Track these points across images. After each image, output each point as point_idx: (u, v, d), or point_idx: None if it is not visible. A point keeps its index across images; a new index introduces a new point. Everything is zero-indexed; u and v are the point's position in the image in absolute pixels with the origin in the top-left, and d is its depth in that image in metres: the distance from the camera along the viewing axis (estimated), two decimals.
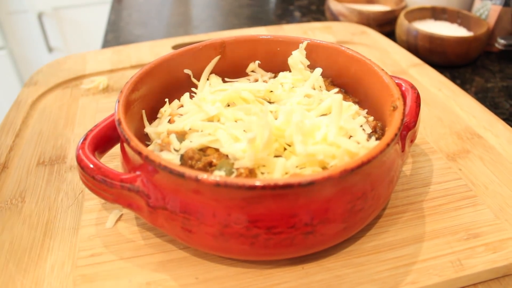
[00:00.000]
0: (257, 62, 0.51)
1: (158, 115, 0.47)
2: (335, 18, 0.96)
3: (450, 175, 0.49)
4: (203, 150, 0.40)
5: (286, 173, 0.36)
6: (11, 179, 0.49)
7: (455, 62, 0.80)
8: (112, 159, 0.51)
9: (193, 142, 0.39)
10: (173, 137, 0.39)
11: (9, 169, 0.51)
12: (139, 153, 0.34)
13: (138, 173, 0.36)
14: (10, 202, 0.46)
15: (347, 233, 0.37)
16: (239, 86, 0.45)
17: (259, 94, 0.45)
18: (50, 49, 1.81)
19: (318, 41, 0.50)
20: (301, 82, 0.47)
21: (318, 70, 0.47)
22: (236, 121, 0.42)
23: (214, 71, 0.51)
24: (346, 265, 0.39)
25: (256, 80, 0.50)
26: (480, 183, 0.48)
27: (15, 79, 1.82)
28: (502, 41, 0.78)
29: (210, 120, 0.42)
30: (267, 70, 0.52)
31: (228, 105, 0.45)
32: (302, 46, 0.48)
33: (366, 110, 0.46)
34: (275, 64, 0.51)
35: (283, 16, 1.07)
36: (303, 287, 0.37)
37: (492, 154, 0.52)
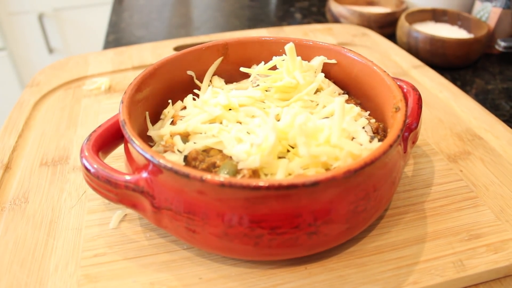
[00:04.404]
0: (258, 68, 0.50)
1: (161, 116, 0.47)
2: (336, 19, 0.97)
3: (451, 176, 0.49)
4: (207, 151, 0.40)
5: (290, 174, 0.37)
6: (14, 179, 0.50)
7: (456, 64, 0.80)
8: (115, 160, 0.51)
9: (197, 143, 0.40)
10: (177, 138, 0.40)
11: (12, 170, 0.51)
12: (144, 154, 0.34)
13: (142, 173, 0.36)
14: (14, 203, 0.46)
15: (350, 233, 0.37)
16: (237, 93, 0.45)
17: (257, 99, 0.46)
18: (50, 50, 1.81)
19: (320, 43, 0.50)
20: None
21: (321, 75, 0.47)
22: (239, 123, 0.42)
23: (216, 73, 0.51)
24: (348, 266, 0.39)
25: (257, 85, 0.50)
26: (481, 184, 0.48)
27: (15, 80, 1.82)
28: (502, 43, 0.79)
29: (213, 121, 0.43)
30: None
31: (230, 109, 0.45)
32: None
33: (368, 112, 0.46)
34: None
35: (284, 17, 1.08)
36: (306, 287, 0.37)
37: (493, 155, 0.53)
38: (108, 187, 0.37)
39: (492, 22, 0.82)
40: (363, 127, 0.42)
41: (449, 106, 0.62)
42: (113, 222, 0.43)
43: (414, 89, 0.46)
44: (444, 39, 0.77)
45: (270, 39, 0.51)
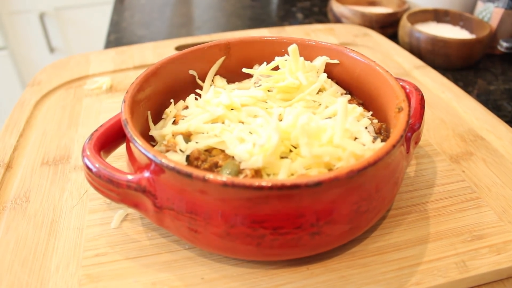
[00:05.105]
0: (260, 68, 0.50)
1: (163, 116, 0.47)
2: (337, 20, 0.97)
3: (453, 177, 0.49)
4: (209, 151, 0.40)
5: (292, 174, 0.37)
6: (15, 179, 0.49)
7: (458, 65, 0.80)
8: (117, 160, 0.51)
9: (199, 143, 0.39)
10: (179, 138, 0.40)
11: (14, 169, 0.51)
12: (146, 154, 0.34)
13: (144, 173, 0.36)
14: (15, 202, 0.46)
15: (352, 233, 0.37)
16: (239, 93, 0.45)
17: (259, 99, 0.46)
18: (51, 50, 1.81)
19: (322, 43, 0.50)
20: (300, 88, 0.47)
21: (323, 76, 0.47)
22: (241, 123, 0.42)
23: (218, 72, 0.51)
24: (351, 266, 0.39)
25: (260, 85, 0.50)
26: (483, 185, 0.48)
27: (16, 79, 1.82)
28: (504, 44, 0.79)
29: (215, 121, 0.43)
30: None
31: (232, 109, 0.45)
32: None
33: (371, 112, 0.46)
34: None
35: (286, 17, 1.08)
36: (308, 287, 0.37)
37: (495, 156, 0.52)
38: (110, 187, 0.37)
39: (494, 23, 0.82)
40: (366, 128, 0.42)
41: (451, 106, 0.62)
42: (115, 221, 0.43)
43: (417, 90, 0.46)
44: (446, 40, 0.76)
45: (273, 39, 0.51)
